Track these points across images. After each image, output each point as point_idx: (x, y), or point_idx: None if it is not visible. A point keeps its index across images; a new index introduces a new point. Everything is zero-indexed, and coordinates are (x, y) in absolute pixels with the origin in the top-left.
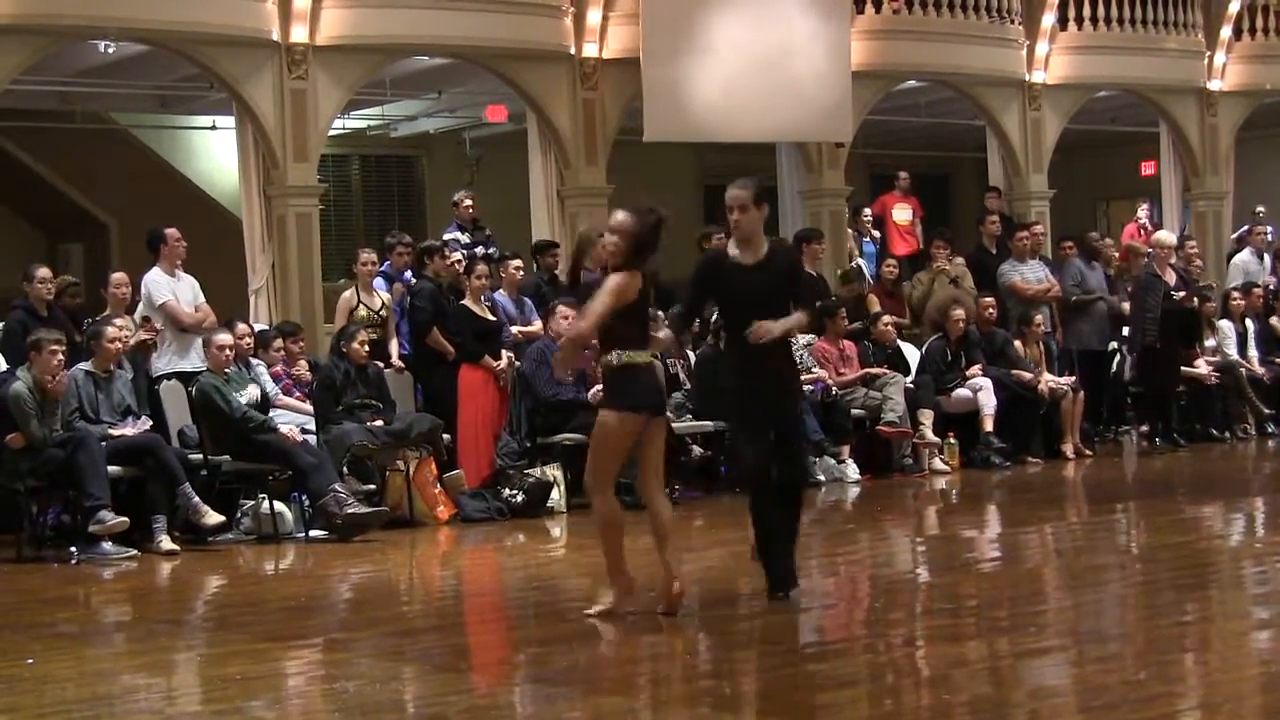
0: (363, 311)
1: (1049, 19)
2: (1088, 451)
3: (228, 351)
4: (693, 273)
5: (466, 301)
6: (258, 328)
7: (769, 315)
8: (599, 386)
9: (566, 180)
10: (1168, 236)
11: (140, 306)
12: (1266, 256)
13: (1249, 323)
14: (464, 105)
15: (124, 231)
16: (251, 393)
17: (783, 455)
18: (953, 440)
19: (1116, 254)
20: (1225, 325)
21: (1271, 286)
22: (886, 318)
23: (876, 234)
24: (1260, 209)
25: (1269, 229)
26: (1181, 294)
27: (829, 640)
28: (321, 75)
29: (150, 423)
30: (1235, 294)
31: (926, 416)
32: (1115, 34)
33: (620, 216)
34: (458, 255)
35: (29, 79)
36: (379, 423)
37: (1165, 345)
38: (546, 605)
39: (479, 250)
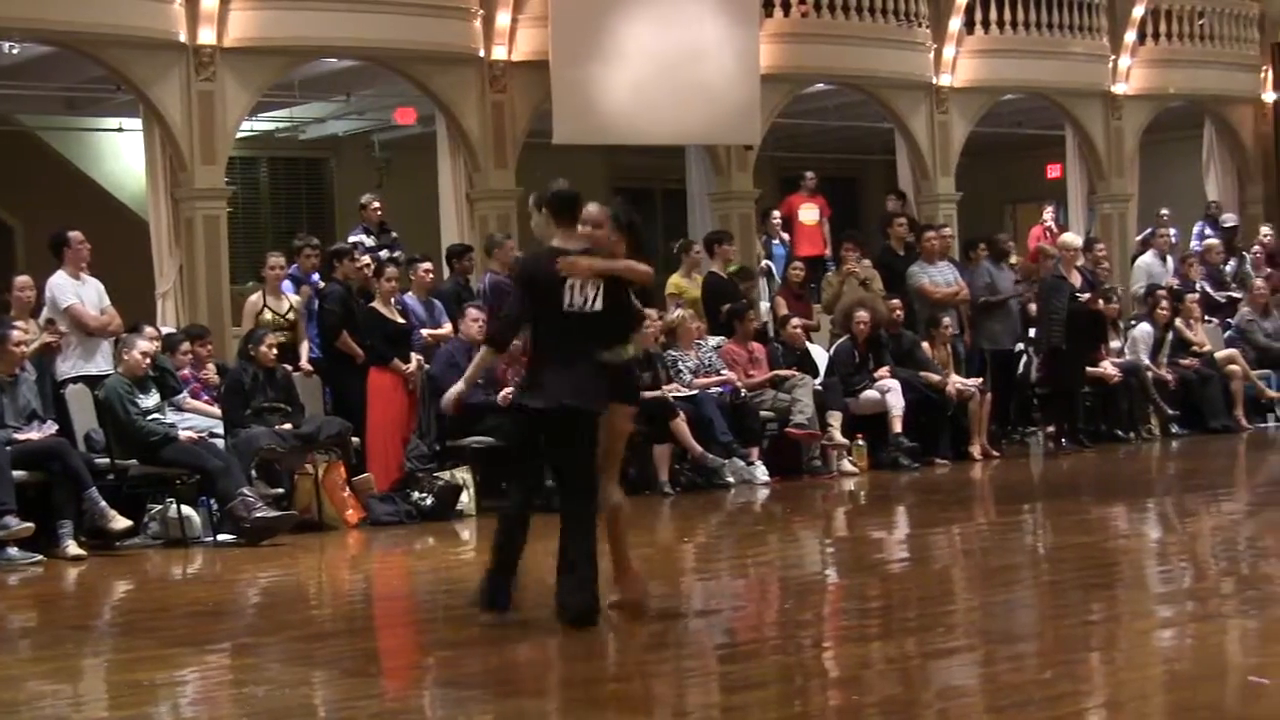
0: (269, 315)
1: (956, 23)
2: (995, 452)
3: (149, 360)
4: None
5: (376, 304)
6: (165, 331)
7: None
8: (509, 390)
9: (476, 183)
10: (1074, 239)
11: (44, 310)
12: (1170, 259)
13: (1170, 331)
14: (373, 108)
15: (29, 234)
16: (156, 400)
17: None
18: (861, 442)
19: (1015, 258)
20: (1145, 329)
21: (1175, 288)
22: (795, 320)
23: (785, 236)
24: (1164, 212)
25: (1173, 231)
26: (1087, 296)
27: (739, 642)
28: (229, 77)
29: (56, 427)
30: (1164, 301)
31: (835, 418)
32: (1021, 38)
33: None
34: (367, 258)
35: None
36: (287, 426)
37: (1071, 347)
38: (456, 608)
39: (384, 253)
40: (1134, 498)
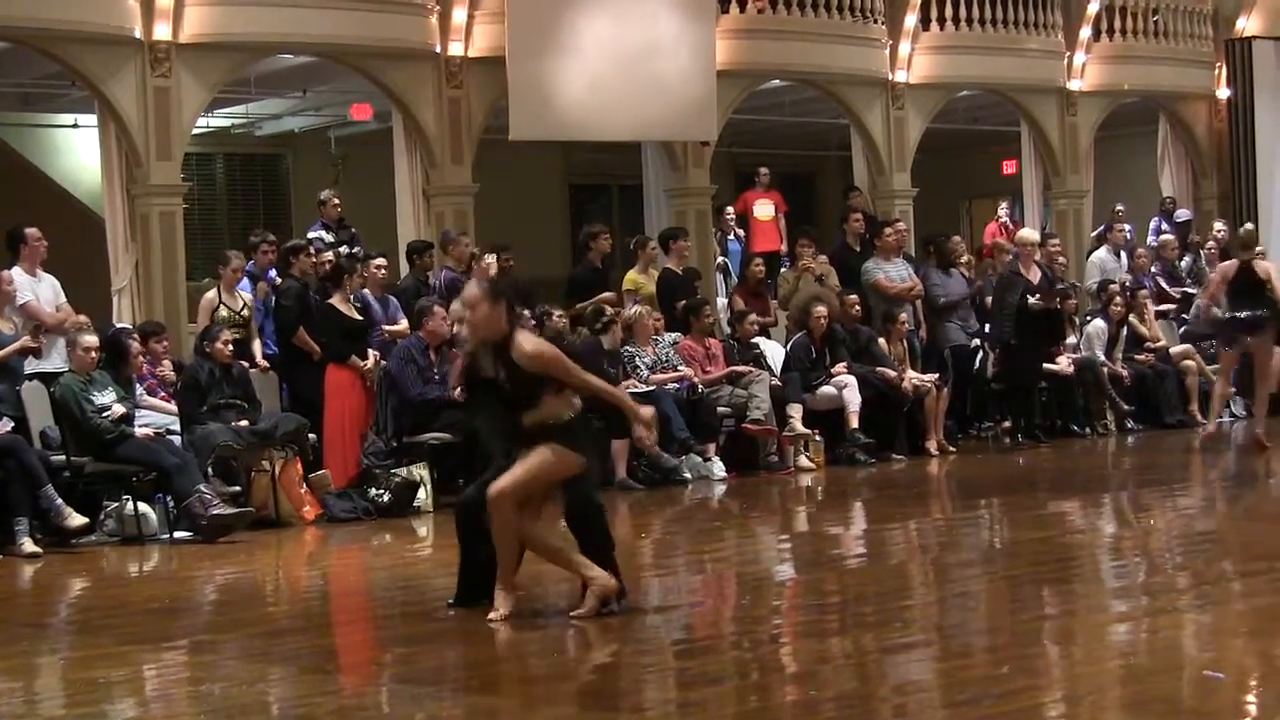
0: (224, 312)
1: (911, 19)
2: (951, 448)
3: (93, 354)
4: None
5: (334, 301)
6: (121, 326)
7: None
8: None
9: (432, 179)
10: (1031, 234)
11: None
12: (1124, 254)
13: (1124, 327)
14: (329, 104)
15: None
16: (111, 397)
17: None
18: (818, 437)
19: (966, 256)
20: (1100, 325)
21: (1128, 284)
22: (751, 316)
23: (740, 232)
24: (1119, 207)
25: (1128, 227)
26: (1044, 292)
27: (696, 638)
28: (185, 73)
29: (11, 424)
30: (1118, 298)
31: (796, 410)
32: (977, 34)
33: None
34: (328, 255)
35: None
36: (244, 423)
37: (1027, 342)
38: (413, 605)
39: (343, 249)
40: (1089, 493)
